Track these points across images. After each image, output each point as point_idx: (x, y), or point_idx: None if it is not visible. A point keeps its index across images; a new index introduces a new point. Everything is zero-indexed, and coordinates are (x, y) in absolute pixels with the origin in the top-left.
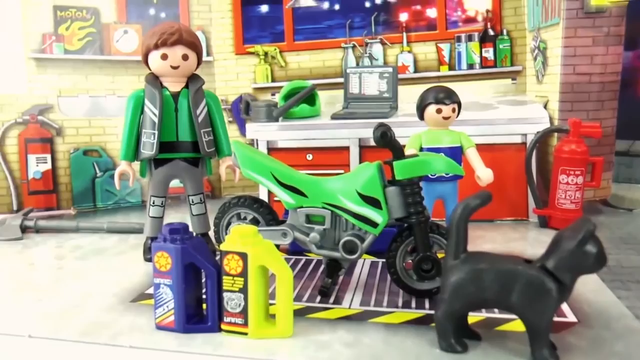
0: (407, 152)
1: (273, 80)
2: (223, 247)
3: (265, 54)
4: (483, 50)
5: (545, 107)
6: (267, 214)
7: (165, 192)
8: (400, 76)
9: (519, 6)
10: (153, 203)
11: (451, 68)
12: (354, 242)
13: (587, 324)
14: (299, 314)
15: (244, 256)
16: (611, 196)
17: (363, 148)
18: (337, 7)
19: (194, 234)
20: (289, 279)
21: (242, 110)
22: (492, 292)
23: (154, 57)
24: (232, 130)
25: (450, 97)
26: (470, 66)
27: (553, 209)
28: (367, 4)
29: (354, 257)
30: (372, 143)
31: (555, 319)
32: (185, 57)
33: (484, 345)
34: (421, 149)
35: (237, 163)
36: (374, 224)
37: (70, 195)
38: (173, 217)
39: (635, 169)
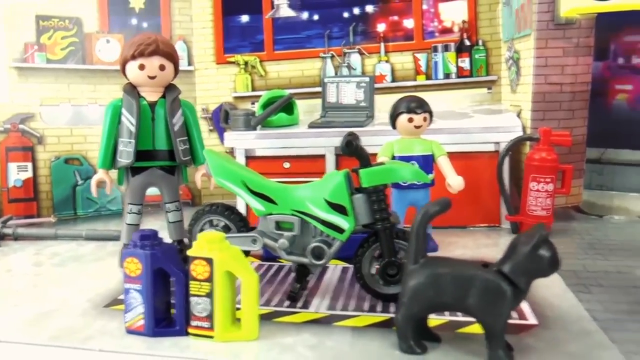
0: (378, 160)
1: (253, 90)
2: (190, 252)
3: (246, 63)
4: (459, 60)
5: (518, 116)
6: (238, 221)
7: (142, 199)
8: (378, 86)
9: (494, 17)
10: (130, 210)
11: (428, 77)
12: (322, 248)
13: (546, 326)
14: (266, 318)
15: (210, 261)
16: (583, 203)
17: (339, 156)
18: (316, 17)
19: (172, 241)
20: (254, 284)
21: (222, 119)
22: (449, 295)
23: (132, 67)
24: (213, 139)
25: (421, 106)
26: (447, 76)
27: (524, 216)
28: (346, 15)
29: (321, 262)
30: None
31: (517, 321)
32: (162, 68)
33: (444, 347)
34: (393, 157)
35: (209, 171)
36: (341, 230)
37: (51, 203)
38: (153, 224)
39: (606, 176)
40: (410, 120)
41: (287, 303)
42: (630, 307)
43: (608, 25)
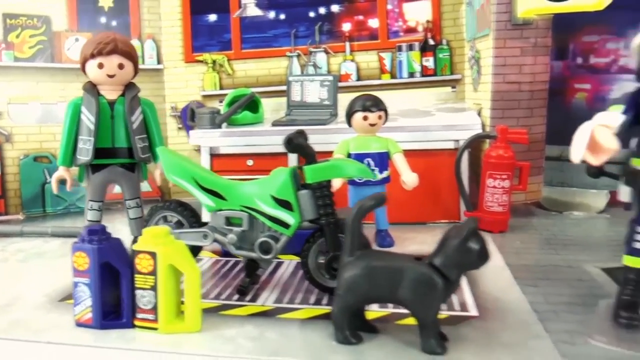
0: (334, 157)
1: (221, 88)
2: (135, 246)
3: (214, 62)
4: (423, 59)
5: (479, 114)
6: (190, 217)
7: (102, 196)
8: (343, 84)
9: (457, 17)
10: (91, 207)
11: (393, 76)
12: (269, 243)
13: (486, 318)
14: (213, 310)
15: (154, 255)
16: (544, 199)
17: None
18: (282, 16)
19: (133, 237)
20: (196, 278)
21: (188, 117)
22: (383, 287)
23: (91, 65)
24: (182, 137)
25: (376, 105)
26: (411, 75)
27: (482, 212)
28: (312, 14)
29: (269, 257)
30: None
31: (458, 313)
32: (121, 66)
33: (381, 338)
34: (349, 155)
35: (162, 168)
36: (287, 226)
37: (20, 201)
38: (120, 220)
39: (567, 173)
40: (365, 118)
41: (236, 297)
42: (571, 299)
43: (567, 26)
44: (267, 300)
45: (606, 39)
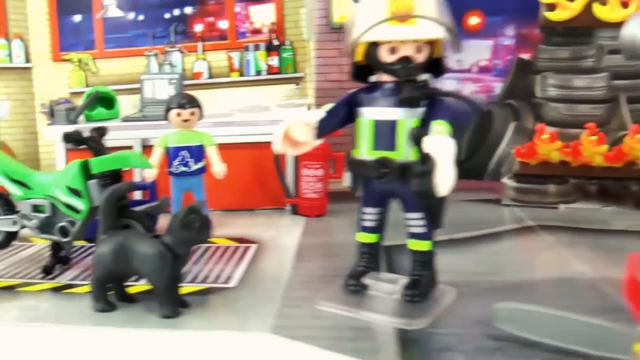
0: (154, 149)
1: (87, 86)
2: None
3: (79, 60)
4: (269, 58)
5: (309, 109)
6: (3, 205)
7: None
8: (196, 82)
9: (298, 19)
10: None
11: (241, 74)
12: (66, 227)
13: (240, 289)
14: (15, 287)
15: None
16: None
17: (145, 148)
18: (141, 17)
19: None
20: None
21: (48, 114)
22: (125, 263)
23: None
24: None
25: (190, 102)
26: (258, 73)
27: (300, 198)
28: (167, 16)
29: (67, 239)
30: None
31: (218, 285)
32: None
33: (135, 307)
34: (167, 148)
35: None
36: (78, 212)
37: None
38: None
39: None
40: (179, 114)
41: (41, 275)
42: (331, 272)
43: None
44: (64, 278)
45: None
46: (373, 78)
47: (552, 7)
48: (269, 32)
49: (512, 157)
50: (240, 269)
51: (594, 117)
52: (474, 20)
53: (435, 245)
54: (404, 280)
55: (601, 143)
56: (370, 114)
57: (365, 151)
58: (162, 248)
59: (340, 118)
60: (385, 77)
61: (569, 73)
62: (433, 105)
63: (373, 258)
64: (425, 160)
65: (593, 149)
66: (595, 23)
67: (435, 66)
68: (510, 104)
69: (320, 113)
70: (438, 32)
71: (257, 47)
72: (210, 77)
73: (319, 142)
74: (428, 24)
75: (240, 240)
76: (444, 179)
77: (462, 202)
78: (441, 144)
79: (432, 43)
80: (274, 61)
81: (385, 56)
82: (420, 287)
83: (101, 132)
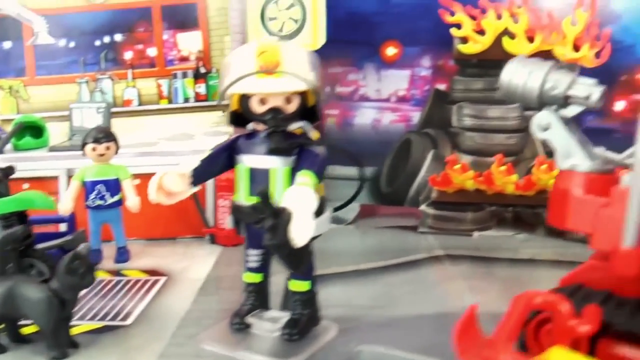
0: (71, 184)
1: (18, 112)
2: None
3: (10, 87)
4: (196, 86)
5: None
6: None
7: None
8: (126, 109)
9: (223, 48)
10: None
11: (170, 101)
12: None
13: (135, 326)
14: None
15: None
16: None
17: (70, 178)
18: (72, 44)
19: None
20: None
21: None
22: (12, 307)
23: None
24: None
25: (105, 136)
26: (186, 100)
27: (217, 228)
28: (98, 42)
29: None
30: None
31: (115, 322)
32: None
33: (26, 348)
34: (84, 181)
35: None
36: None
37: None
38: None
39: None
40: (94, 149)
41: None
42: (228, 306)
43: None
44: None
45: (348, 70)
46: (250, 126)
47: (464, 40)
48: (197, 60)
49: (429, 185)
50: (142, 304)
51: (509, 146)
52: (391, 50)
53: (328, 279)
54: (285, 318)
55: (510, 173)
56: (247, 161)
57: (243, 197)
58: (49, 293)
59: (219, 165)
60: (260, 126)
61: (483, 103)
62: (301, 154)
63: (259, 296)
64: (278, 213)
65: (504, 179)
66: (505, 56)
67: (311, 113)
68: (428, 133)
69: (194, 163)
70: (303, 85)
71: (185, 75)
72: (140, 104)
73: (196, 189)
74: (293, 77)
75: (152, 272)
76: (300, 231)
77: (381, 229)
78: (300, 196)
79: (303, 93)
80: (202, 89)
81: (256, 107)
82: (299, 326)
83: (7, 172)
